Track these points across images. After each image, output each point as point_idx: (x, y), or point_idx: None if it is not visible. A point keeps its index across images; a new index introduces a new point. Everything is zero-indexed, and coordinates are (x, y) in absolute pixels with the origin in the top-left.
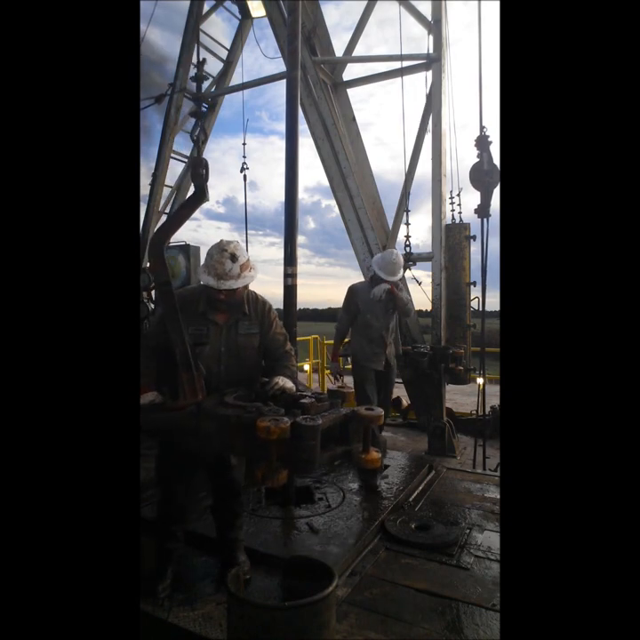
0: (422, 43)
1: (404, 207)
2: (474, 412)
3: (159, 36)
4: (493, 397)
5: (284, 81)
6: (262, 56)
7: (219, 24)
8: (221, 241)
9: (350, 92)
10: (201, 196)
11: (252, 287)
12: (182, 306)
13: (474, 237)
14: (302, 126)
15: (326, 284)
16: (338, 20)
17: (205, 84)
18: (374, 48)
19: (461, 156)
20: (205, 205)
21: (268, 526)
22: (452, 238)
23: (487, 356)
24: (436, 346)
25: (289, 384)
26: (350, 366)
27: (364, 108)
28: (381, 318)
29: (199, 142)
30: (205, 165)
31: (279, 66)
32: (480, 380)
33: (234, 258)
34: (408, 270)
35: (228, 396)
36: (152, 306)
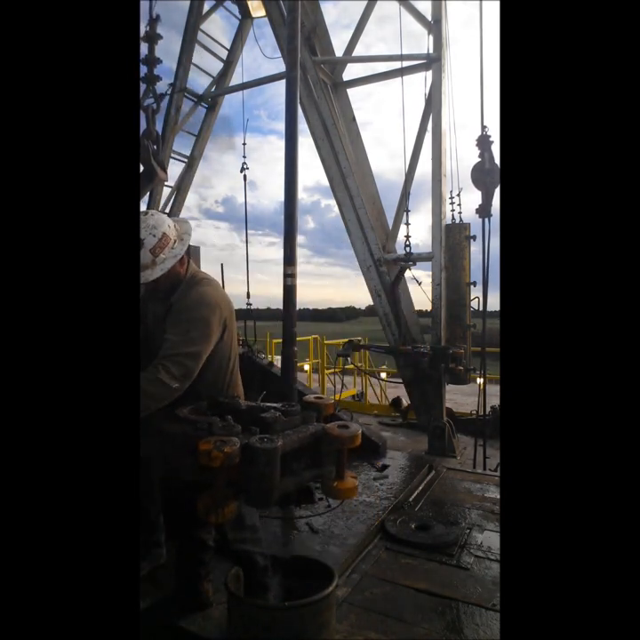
0: (422, 39)
1: (404, 207)
2: (474, 411)
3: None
4: (493, 397)
5: (284, 80)
6: (261, 55)
7: (218, 23)
8: None
9: (348, 91)
10: (149, 174)
11: (254, 284)
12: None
13: (474, 237)
14: (301, 126)
15: (326, 283)
16: (336, 19)
17: (205, 84)
18: (373, 46)
19: (461, 155)
20: (205, 205)
21: (268, 526)
22: (452, 238)
23: (487, 356)
24: (436, 346)
25: None
26: (351, 366)
27: (363, 108)
28: None
29: (149, 113)
30: (157, 139)
31: (278, 65)
32: (480, 380)
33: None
34: (408, 270)
35: (185, 408)
36: None
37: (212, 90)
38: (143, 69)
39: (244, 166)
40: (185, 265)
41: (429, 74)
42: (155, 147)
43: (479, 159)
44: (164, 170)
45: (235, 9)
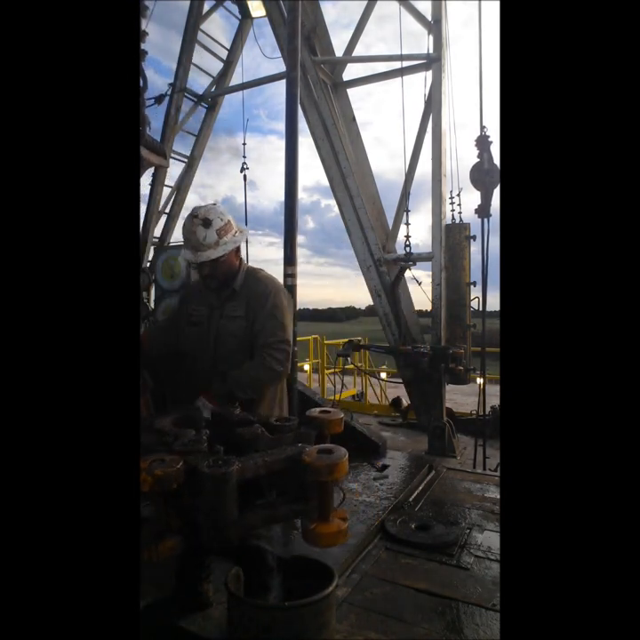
0: (422, 39)
1: (404, 207)
2: (474, 411)
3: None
4: (493, 397)
5: (283, 80)
6: (260, 55)
7: (218, 23)
8: (194, 207)
9: (348, 90)
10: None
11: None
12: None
13: (474, 237)
14: (301, 126)
15: (325, 283)
16: (335, 18)
17: (205, 84)
18: (372, 45)
19: (461, 155)
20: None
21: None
22: (452, 238)
23: (487, 356)
24: (436, 346)
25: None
26: (351, 366)
27: (363, 107)
28: None
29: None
30: (143, 122)
31: (277, 64)
32: (480, 380)
33: (206, 223)
34: (408, 270)
35: (167, 417)
36: (152, 306)
37: (212, 90)
38: None
39: (244, 166)
40: (240, 258)
41: (429, 74)
42: (141, 128)
43: (478, 159)
44: (158, 153)
45: (235, 9)
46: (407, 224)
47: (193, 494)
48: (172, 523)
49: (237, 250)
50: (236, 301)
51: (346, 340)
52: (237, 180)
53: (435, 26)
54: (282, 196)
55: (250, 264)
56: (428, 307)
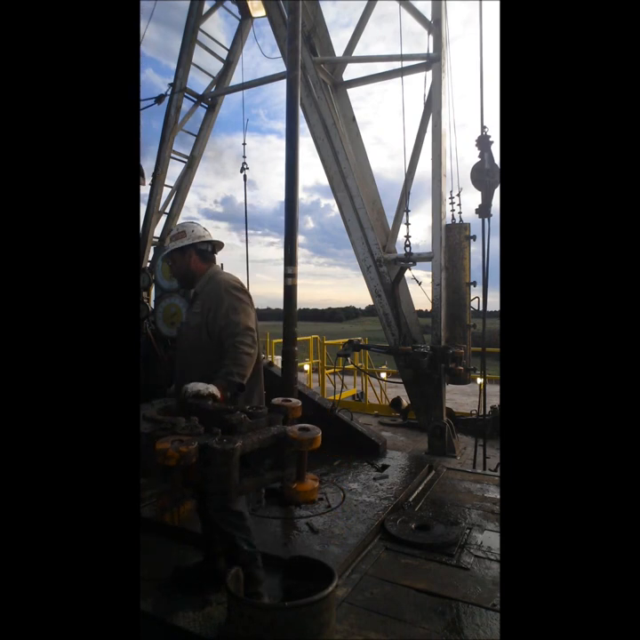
0: (421, 37)
1: (404, 207)
2: (474, 411)
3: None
4: (493, 397)
5: (282, 80)
6: (260, 54)
7: (218, 23)
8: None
9: (348, 90)
10: None
11: (254, 284)
12: None
13: (474, 237)
14: (301, 126)
15: (325, 283)
16: (334, 18)
17: (205, 84)
18: (372, 45)
19: (461, 155)
20: (204, 205)
21: (268, 526)
22: (452, 238)
23: (487, 356)
24: (436, 346)
25: (210, 389)
26: (351, 366)
27: (362, 107)
28: None
29: None
30: None
31: (276, 64)
32: (480, 380)
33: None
34: (408, 270)
35: (154, 407)
36: (152, 306)
37: (212, 90)
38: None
39: (244, 166)
40: (207, 264)
41: (429, 74)
42: None
43: (479, 159)
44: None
45: (235, 9)
46: (407, 224)
47: (204, 466)
48: (186, 491)
49: (199, 257)
50: (198, 301)
51: (346, 340)
52: (236, 180)
53: (435, 26)
54: (282, 196)
55: (250, 263)
56: (428, 307)
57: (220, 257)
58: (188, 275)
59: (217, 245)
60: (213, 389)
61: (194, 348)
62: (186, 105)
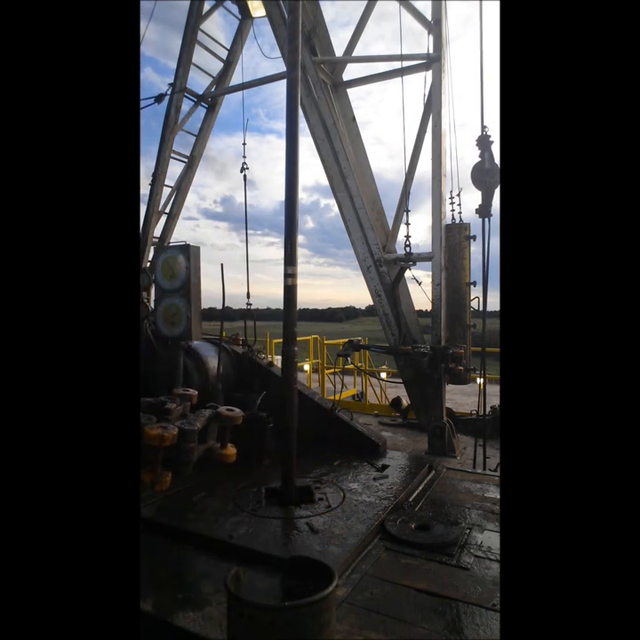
0: (421, 37)
1: (403, 207)
2: (474, 411)
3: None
4: (493, 397)
5: (282, 80)
6: (259, 54)
7: (218, 23)
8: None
9: (348, 90)
10: None
11: (254, 284)
12: None
13: (474, 237)
14: (301, 126)
15: (325, 283)
16: (333, 17)
17: (205, 84)
18: (371, 44)
19: (461, 155)
20: (203, 205)
21: (268, 526)
22: (452, 238)
23: (487, 356)
24: (436, 346)
25: None
26: (351, 366)
27: (362, 107)
28: None
29: None
30: None
31: (276, 63)
32: (480, 380)
33: None
34: (408, 270)
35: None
36: (152, 306)
37: (212, 90)
38: None
39: (244, 166)
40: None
41: (429, 74)
42: None
43: (479, 159)
44: None
45: (235, 9)
46: (407, 224)
47: (178, 444)
48: (166, 465)
49: None
50: None
51: (346, 340)
52: (236, 180)
53: (435, 26)
54: (282, 196)
55: (250, 263)
56: (428, 307)
57: (220, 257)
58: None
59: None
60: None
61: None
62: (186, 105)
